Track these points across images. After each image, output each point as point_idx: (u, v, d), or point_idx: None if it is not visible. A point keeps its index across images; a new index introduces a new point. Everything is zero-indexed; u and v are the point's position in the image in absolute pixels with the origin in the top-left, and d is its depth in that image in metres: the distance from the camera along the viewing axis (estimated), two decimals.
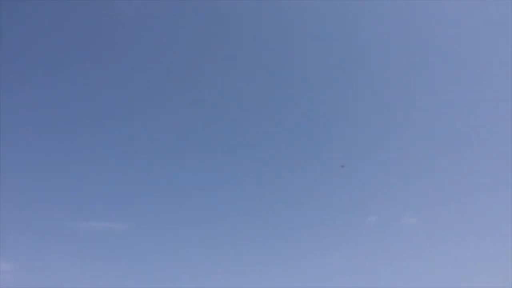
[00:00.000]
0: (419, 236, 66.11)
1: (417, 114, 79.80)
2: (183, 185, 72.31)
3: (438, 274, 59.01)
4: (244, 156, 76.85)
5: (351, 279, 61.12)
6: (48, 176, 67.86)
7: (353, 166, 72.12)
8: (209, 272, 61.36)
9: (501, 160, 68.99)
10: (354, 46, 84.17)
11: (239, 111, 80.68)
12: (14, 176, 64.92)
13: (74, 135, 72.80)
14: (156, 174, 72.48)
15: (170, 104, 79.59)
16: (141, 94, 79.40)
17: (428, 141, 76.06)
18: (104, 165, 70.54)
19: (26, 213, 62.51)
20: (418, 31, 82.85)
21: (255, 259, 64.21)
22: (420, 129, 78.54)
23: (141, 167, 72.11)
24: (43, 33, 76.69)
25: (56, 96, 75.71)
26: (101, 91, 77.25)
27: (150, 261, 62.22)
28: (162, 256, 63.15)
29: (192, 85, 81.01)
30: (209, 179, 72.75)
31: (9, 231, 58.94)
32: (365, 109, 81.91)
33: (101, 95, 77.32)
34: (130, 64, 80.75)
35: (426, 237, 65.46)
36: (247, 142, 78.02)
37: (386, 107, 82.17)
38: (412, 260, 63.60)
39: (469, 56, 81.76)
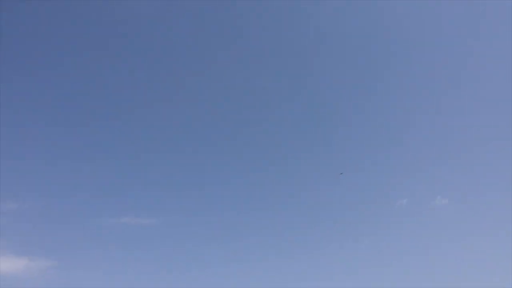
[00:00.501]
0: (451, 218, 65.61)
1: (448, 99, 79.92)
2: (209, 181, 74.33)
3: (471, 256, 58.80)
4: (270, 150, 79.41)
5: (382, 264, 61.59)
6: (82, 175, 70.06)
7: (383, 151, 74.97)
8: (236, 264, 62.92)
9: None
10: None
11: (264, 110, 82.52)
12: (53, 175, 68.04)
13: (104, 135, 75.77)
14: (184, 171, 75.26)
15: (193, 106, 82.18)
16: (166, 94, 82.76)
17: (460, 124, 76.12)
18: (134, 164, 73.40)
19: (64, 212, 65.06)
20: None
21: (286, 247, 65.46)
22: (451, 111, 78.27)
23: (169, 164, 75.10)
24: (63, 31, 79.06)
25: (87, 94, 78.80)
26: (131, 91, 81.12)
27: (178, 255, 64.11)
28: (190, 249, 65.10)
29: (210, 85, 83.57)
30: (234, 175, 75.21)
31: (50, 229, 62.18)
32: (396, 95, 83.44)
33: (129, 94, 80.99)
34: (151, 64, 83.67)
35: (458, 218, 64.99)
36: (273, 138, 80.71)
37: (415, 94, 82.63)
38: (444, 241, 62.89)
39: None
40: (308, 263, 63.34)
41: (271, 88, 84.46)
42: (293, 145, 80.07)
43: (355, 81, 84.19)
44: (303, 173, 75.81)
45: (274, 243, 66.22)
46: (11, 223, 59.64)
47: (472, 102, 79.81)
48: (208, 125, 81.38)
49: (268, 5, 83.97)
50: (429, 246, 63.37)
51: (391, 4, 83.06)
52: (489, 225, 63.03)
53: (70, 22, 79.00)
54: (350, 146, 79.01)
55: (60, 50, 78.37)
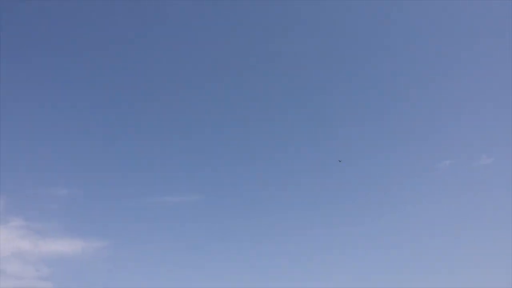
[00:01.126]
0: (496, 177, 65.11)
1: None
2: (249, 156, 76.25)
3: None
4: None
5: (427, 226, 62.52)
6: (126, 159, 72.40)
7: (426, 113, 73.49)
8: (279, 237, 65.44)
9: None
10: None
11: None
12: (99, 161, 70.54)
13: (146, 116, 76.85)
14: (223, 147, 77.26)
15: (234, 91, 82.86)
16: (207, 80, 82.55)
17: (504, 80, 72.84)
18: (172, 144, 75.53)
19: (112, 195, 67.77)
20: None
21: (333, 214, 67.32)
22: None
23: (208, 142, 77.14)
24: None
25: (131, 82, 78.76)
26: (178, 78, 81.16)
27: (221, 229, 67.52)
28: (232, 224, 67.96)
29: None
30: (276, 150, 77.00)
31: (100, 211, 65.14)
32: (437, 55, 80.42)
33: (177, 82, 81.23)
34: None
35: (503, 177, 63.37)
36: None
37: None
38: (489, 201, 62.86)
39: None
40: (359, 228, 65.46)
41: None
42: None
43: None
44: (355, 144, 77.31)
45: (316, 213, 69.19)
46: (64, 208, 63.61)
47: None
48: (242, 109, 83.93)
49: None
50: (475, 207, 63.85)
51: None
52: None
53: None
54: (391, 109, 79.53)
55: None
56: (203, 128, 79.77)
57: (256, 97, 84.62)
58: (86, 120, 74.19)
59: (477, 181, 66.80)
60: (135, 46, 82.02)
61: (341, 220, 68.28)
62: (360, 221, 66.99)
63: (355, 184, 72.22)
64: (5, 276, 54.58)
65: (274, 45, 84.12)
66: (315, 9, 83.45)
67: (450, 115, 76.20)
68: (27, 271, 56.49)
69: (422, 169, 70.49)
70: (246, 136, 79.92)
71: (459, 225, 62.60)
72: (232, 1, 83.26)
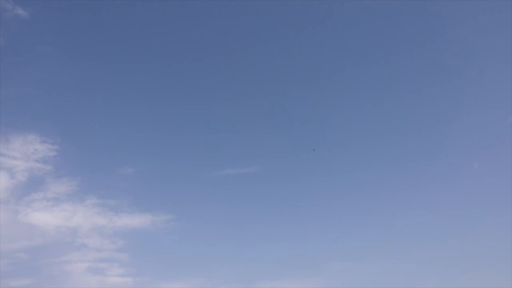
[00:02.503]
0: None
1: None
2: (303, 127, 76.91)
3: None
4: None
5: (494, 185, 62.67)
6: (183, 138, 75.42)
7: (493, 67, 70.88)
8: (337, 200, 67.78)
9: None
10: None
11: None
12: (159, 142, 73.53)
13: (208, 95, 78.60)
14: (279, 118, 78.33)
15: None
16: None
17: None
18: (230, 117, 77.71)
19: (174, 171, 71.97)
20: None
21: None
22: None
23: (263, 112, 78.27)
24: None
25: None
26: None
27: (282, 196, 70.66)
28: (291, 190, 71.02)
29: None
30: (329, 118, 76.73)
31: (165, 187, 70.03)
32: None
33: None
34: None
35: None
36: None
37: None
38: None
39: None
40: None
41: None
42: None
43: None
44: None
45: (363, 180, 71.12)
46: (133, 185, 68.26)
47: None
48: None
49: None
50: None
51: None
52: None
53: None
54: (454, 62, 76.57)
55: None
56: (257, 102, 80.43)
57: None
58: (145, 99, 77.44)
59: None
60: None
61: None
62: None
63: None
64: (87, 249, 60.89)
65: None
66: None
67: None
68: (105, 244, 62.27)
69: (489, 124, 68.73)
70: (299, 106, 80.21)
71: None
72: None
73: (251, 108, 79.15)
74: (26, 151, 63.11)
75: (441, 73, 76.45)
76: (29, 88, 69.00)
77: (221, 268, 62.65)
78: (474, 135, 71.29)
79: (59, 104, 70.88)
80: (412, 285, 56.64)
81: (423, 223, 64.78)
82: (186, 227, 67.03)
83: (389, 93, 78.51)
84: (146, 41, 78.78)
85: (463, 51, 76.59)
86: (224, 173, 71.98)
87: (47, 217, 60.89)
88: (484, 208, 63.50)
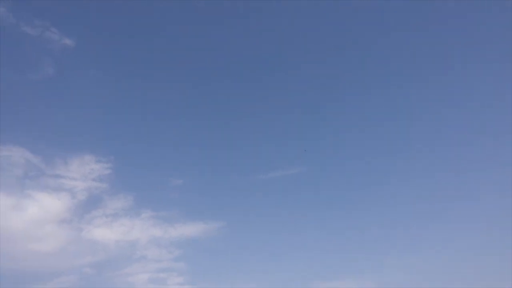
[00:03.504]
0: None
1: None
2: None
3: None
4: None
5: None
6: (229, 144, 76.93)
7: None
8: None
9: None
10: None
11: None
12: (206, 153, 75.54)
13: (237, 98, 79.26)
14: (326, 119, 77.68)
15: None
16: None
17: None
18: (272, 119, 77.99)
19: (221, 180, 73.57)
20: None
21: None
22: None
23: (309, 114, 77.49)
24: None
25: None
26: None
27: (327, 199, 70.38)
28: (336, 193, 70.70)
29: None
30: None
31: (214, 196, 71.67)
32: None
33: None
34: None
35: None
36: None
37: None
38: None
39: None
40: None
41: None
42: None
43: None
44: None
45: None
46: (183, 196, 70.30)
47: None
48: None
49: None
50: None
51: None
52: None
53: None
54: None
55: None
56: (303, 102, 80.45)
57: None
58: (188, 114, 79.93)
59: None
60: None
61: None
62: None
63: None
64: (147, 261, 63.74)
65: None
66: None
67: None
68: (163, 254, 64.81)
69: None
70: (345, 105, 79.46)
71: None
72: None
73: (291, 107, 79.41)
74: (84, 172, 66.96)
75: None
76: (81, 112, 73.22)
77: (275, 270, 63.55)
78: None
79: (109, 125, 74.56)
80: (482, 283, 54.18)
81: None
82: (238, 232, 68.76)
83: None
84: (187, 60, 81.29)
85: None
86: (270, 176, 72.99)
87: (107, 232, 64.34)
88: None
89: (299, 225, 69.14)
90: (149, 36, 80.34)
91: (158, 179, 71.95)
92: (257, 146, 76.90)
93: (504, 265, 53.20)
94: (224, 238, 67.53)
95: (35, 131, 67.63)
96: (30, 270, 58.27)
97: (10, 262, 56.88)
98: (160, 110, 78.40)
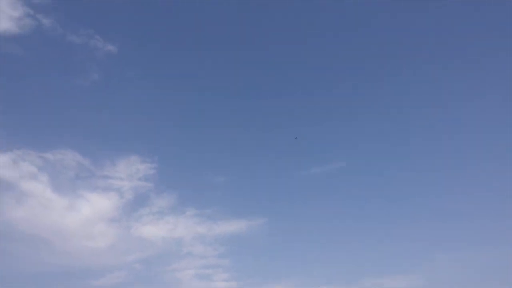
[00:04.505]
0: None
1: None
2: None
3: None
4: None
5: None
6: (269, 141, 78.87)
7: None
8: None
9: None
10: None
11: None
12: (243, 146, 77.47)
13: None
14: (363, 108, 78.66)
15: None
16: None
17: None
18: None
19: (262, 176, 75.01)
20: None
21: None
22: None
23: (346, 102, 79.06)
24: None
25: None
26: None
27: (366, 194, 70.63)
28: (374, 188, 71.01)
29: None
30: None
31: (256, 193, 72.90)
32: None
33: None
34: None
35: None
36: None
37: None
38: None
39: None
40: None
41: None
42: None
43: None
44: None
45: None
46: (225, 193, 71.93)
47: None
48: None
49: None
50: None
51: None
52: None
53: None
54: None
55: None
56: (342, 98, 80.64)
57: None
58: (228, 115, 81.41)
59: None
60: None
61: None
62: None
63: None
64: (192, 257, 65.26)
65: None
66: None
67: None
68: (208, 251, 66.21)
69: None
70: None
71: None
72: None
73: (332, 99, 79.72)
74: (130, 172, 69.64)
75: None
76: (126, 115, 76.28)
77: (321, 267, 63.53)
78: None
79: (153, 126, 77.30)
80: None
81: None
82: (281, 229, 69.18)
83: None
84: (227, 60, 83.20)
85: None
86: (311, 172, 73.23)
87: (154, 230, 66.54)
88: None
89: (342, 220, 68.75)
90: (190, 40, 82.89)
91: (201, 178, 73.89)
92: (297, 142, 77.11)
93: None
94: (267, 234, 68.26)
95: (84, 134, 71.61)
96: (84, 266, 61.48)
97: (66, 259, 60.44)
98: (201, 112, 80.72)
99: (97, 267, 61.83)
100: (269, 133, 78.62)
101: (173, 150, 75.89)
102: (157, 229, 66.47)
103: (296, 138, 71.92)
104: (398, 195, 68.72)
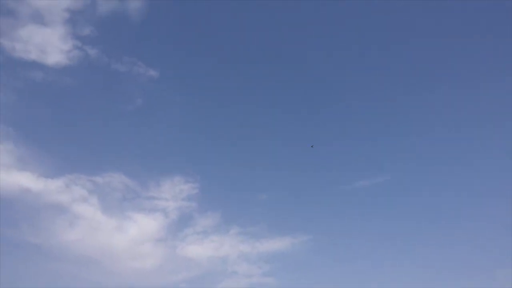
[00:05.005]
0: None
1: None
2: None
3: None
4: None
5: None
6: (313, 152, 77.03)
7: None
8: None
9: None
10: None
11: None
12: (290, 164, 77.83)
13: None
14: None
15: None
16: None
17: None
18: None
19: (306, 191, 74.58)
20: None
21: None
22: None
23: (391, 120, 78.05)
24: None
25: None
26: None
27: (412, 210, 68.40)
28: (422, 203, 68.69)
29: None
30: None
31: (299, 210, 72.29)
32: None
33: None
34: None
35: None
36: None
37: None
38: None
39: None
40: None
41: None
42: None
43: None
44: None
45: None
46: (268, 211, 71.59)
47: None
48: None
49: None
50: None
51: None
52: None
53: None
54: None
55: None
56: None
57: None
58: (268, 135, 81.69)
59: None
60: None
61: None
62: None
63: None
64: (238, 276, 64.92)
65: None
66: None
67: None
68: (252, 269, 65.65)
69: None
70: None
71: None
72: None
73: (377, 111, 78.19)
74: (174, 192, 71.10)
75: None
76: (168, 137, 78.55)
77: (368, 284, 61.20)
78: None
79: (194, 147, 79.15)
80: None
81: None
82: (326, 245, 67.74)
83: None
84: (267, 80, 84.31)
85: None
86: (354, 186, 71.59)
87: (199, 249, 67.14)
88: None
89: (390, 236, 66.09)
90: (229, 62, 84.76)
91: (243, 195, 73.95)
92: (339, 156, 76.40)
93: None
94: (312, 251, 66.83)
95: (130, 156, 74.25)
96: (132, 286, 62.77)
97: (115, 279, 62.03)
98: (240, 130, 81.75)
99: (145, 287, 63.18)
100: (311, 149, 77.74)
101: (215, 169, 77.01)
102: (202, 248, 67.11)
103: (312, 146, 71.81)
104: (449, 209, 65.53)
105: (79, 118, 74.38)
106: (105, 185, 68.35)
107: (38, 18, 70.00)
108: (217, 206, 71.40)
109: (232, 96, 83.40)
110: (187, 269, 65.87)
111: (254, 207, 71.85)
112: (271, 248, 67.36)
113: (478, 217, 64.41)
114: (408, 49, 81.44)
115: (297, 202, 72.90)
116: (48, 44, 70.34)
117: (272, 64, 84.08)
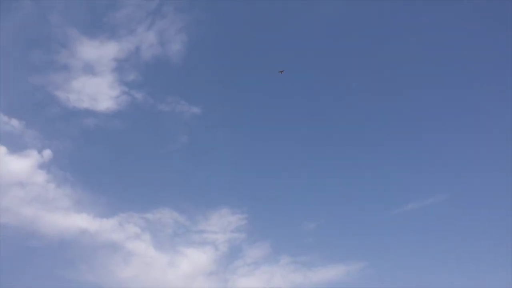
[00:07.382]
0: None
1: None
2: None
3: None
4: None
5: None
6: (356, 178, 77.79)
7: None
8: None
9: None
10: None
11: None
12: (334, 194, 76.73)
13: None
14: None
15: None
16: None
17: None
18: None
19: (354, 216, 73.08)
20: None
21: None
22: None
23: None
24: None
25: None
26: None
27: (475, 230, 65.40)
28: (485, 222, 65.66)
29: None
30: None
31: (351, 232, 71.18)
32: None
33: None
34: None
35: None
36: None
37: None
38: None
39: None
40: None
41: None
42: None
43: None
44: None
45: None
46: (317, 239, 70.00)
47: None
48: None
49: None
50: None
51: None
52: None
53: None
54: None
55: None
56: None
57: None
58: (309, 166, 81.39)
59: None
60: None
61: None
62: None
63: None
64: None
65: None
66: None
67: None
68: None
69: None
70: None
71: None
72: None
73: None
74: (222, 224, 71.73)
75: None
76: (214, 171, 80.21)
77: None
78: None
79: (240, 179, 79.64)
80: None
81: None
82: (383, 272, 65.16)
83: None
84: (308, 112, 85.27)
85: None
86: (405, 209, 69.38)
87: (250, 281, 66.43)
88: None
89: (447, 258, 62.70)
90: (270, 94, 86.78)
91: (291, 224, 73.10)
92: (385, 178, 74.75)
93: None
94: (368, 278, 64.37)
95: (178, 192, 76.11)
96: None
97: None
98: (284, 160, 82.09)
99: None
100: (357, 175, 77.56)
101: (261, 199, 77.12)
102: (253, 280, 66.42)
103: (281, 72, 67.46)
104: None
105: (129, 159, 78.10)
106: (156, 221, 70.40)
107: (89, 69, 76.18)
108: (266, 236, 71.17)
109: (275, 128, 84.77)
110: None
111: (302, 236, 70.89)
112: (325, 276, 65.72)
113: None
114: None
115: (346, 229, 71.54)
116: (99, 92, 75.76)
117: (314, 97, 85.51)
